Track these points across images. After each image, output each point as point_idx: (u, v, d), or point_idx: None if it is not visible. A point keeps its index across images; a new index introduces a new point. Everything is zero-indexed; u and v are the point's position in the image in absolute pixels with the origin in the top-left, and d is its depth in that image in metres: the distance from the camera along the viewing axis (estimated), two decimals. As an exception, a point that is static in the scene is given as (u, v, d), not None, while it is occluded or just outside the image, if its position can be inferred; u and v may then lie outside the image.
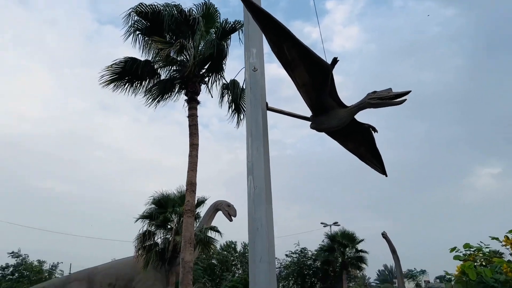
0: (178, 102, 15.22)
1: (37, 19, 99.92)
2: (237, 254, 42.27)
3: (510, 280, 5.10)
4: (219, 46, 13.25)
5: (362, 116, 3.56)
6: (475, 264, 5.67)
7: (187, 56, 13.45)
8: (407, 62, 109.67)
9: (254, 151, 3.06)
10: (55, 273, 34.98)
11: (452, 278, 6.35)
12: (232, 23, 13.75)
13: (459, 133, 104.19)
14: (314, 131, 3.66)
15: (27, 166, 77.66)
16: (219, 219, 17.54)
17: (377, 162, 3.98)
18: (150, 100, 13.98)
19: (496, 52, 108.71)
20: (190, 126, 13.18)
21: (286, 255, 35.59)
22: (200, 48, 13.43)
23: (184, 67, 13.61)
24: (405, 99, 3.06)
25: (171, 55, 13.33)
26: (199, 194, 15.33)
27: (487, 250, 6.14)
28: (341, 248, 30.84)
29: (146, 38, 13.45)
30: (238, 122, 14.46)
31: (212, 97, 14.39)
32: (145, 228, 16.26)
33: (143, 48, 13.51)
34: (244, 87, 10.29)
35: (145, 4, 12.98)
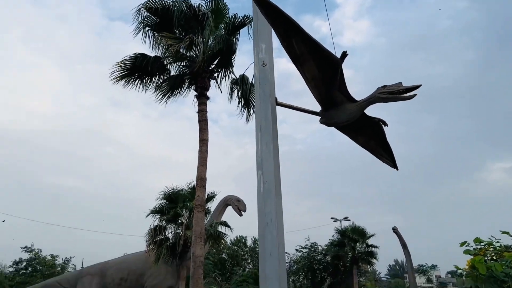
0: (187, 98, 15.29)
1: (47, 16, 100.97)
2: (247, 248, 42.55)
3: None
4: (228, 41, 13.22)
5: (372, 110, 3.54)
6: (486, 258, 5.61)
7: (197, 52, 13.49)
8: (418, 56, 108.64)
9: (263, 146, 3.05)
10: (67, 268, 35.42)
11: (463, 273, 6.31)
12: (241, 18, 13.72)
13: (470, 127, 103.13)
14: (324, 125, 3.64)
15: (37, 162, 78.75)
16: (229, 214, 17.57)
17: (387, 155, 3.94)
18: (160, 96, 14.07)
19: (508, 44, 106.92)
20: (199, 121, 13.23)
21: (296, 250, 35.75)
22: (209, 43, 13.43)
23: (193, 63, 13.64)
24: (416, 94, 3.03)
25: (181, 50, 13.38)
26: (209, 189, 15.39)
27: (498, 244, 6.08)
28: (352, 243, 30.76)
29: (156, 34, 13.49)
30: (247, 117, 14.45)
31: (221, 92, 14.41)
32: (156, 223, 16.37)
33: (152, 44, 13.59)
34: (253, 82, 10.28)
35: (155, 0, 13.03)
